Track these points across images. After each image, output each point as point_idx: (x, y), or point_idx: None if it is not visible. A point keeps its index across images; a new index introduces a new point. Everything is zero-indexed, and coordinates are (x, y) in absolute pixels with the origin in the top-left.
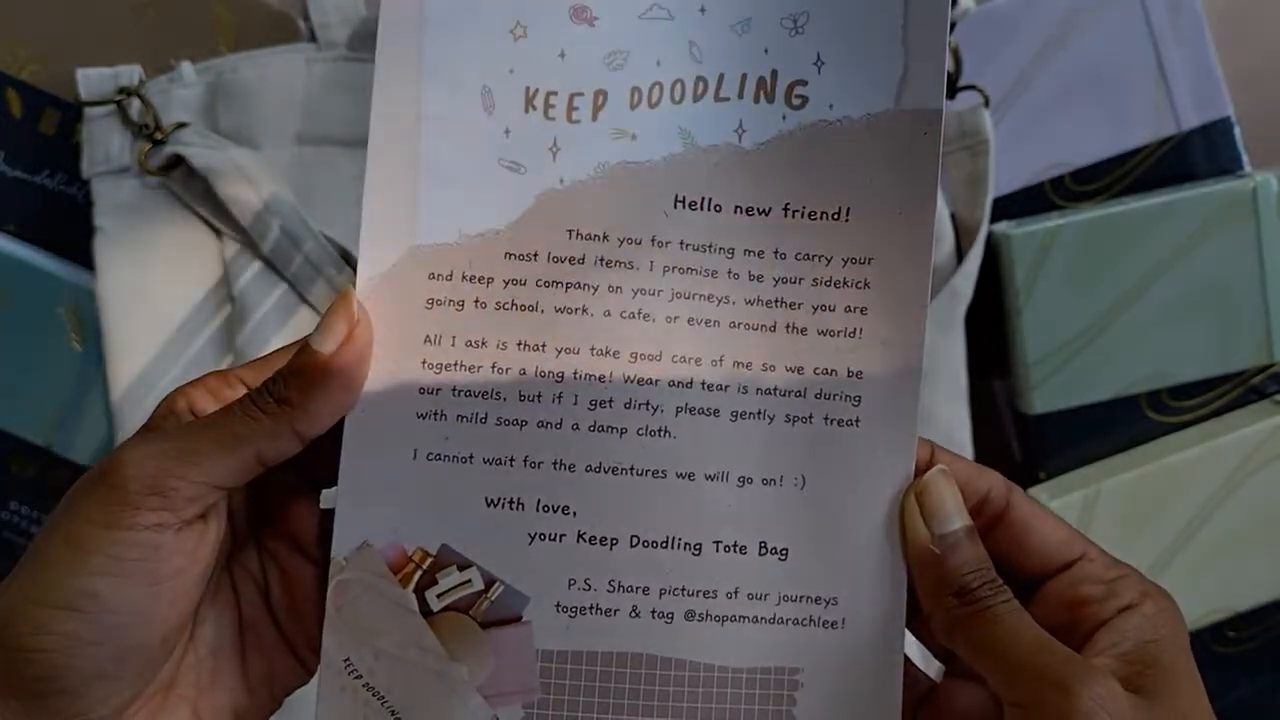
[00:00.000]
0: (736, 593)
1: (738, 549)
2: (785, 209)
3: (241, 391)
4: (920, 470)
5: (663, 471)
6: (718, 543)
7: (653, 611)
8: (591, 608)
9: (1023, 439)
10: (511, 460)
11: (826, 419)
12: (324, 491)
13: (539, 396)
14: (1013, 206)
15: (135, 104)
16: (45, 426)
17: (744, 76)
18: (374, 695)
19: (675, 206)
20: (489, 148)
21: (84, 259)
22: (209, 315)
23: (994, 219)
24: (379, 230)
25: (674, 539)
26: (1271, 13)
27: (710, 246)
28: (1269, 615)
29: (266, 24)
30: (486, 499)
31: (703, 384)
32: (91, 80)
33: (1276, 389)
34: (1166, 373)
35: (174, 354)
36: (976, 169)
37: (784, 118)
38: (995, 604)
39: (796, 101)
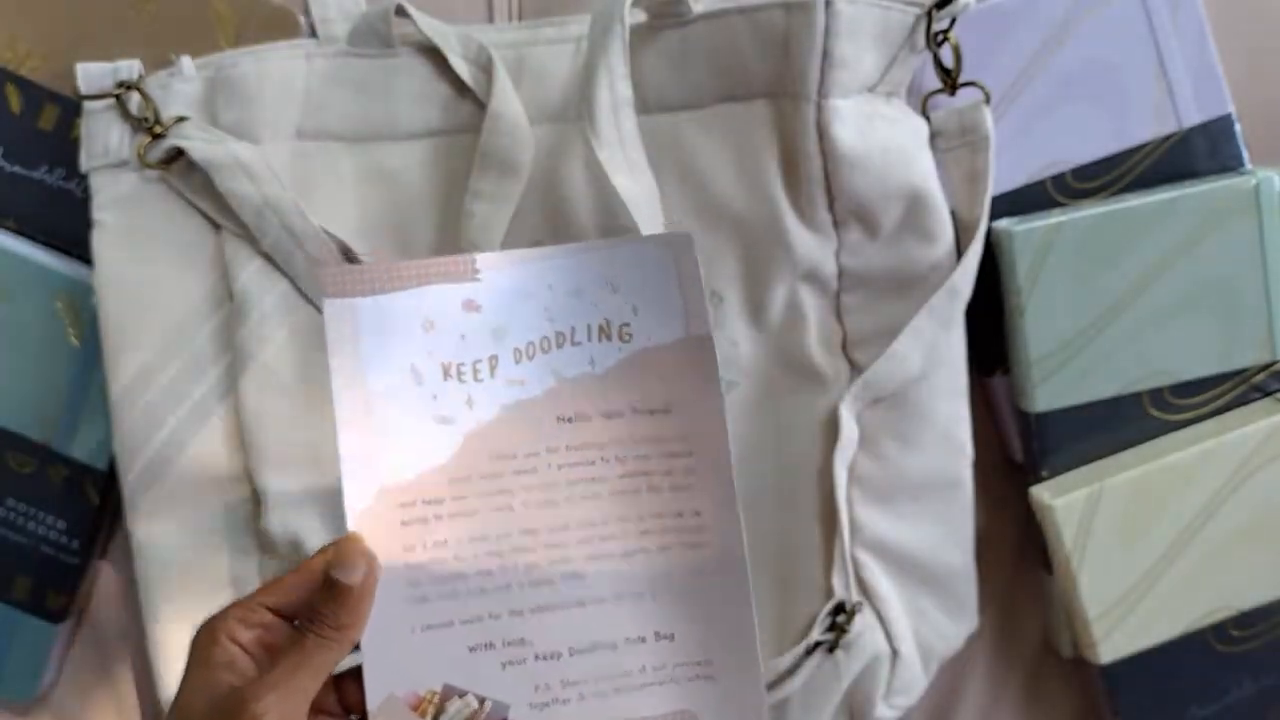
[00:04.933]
0: (644, 669)
1: (640, 640)
2: (633, 409)
3: (267, 616)
4: None
5: (583, 602)
6: (626, 639)
7: (593, 693)
8: (552, 701)
9: (1025, 437)
10: (479, 618)
11: (684, 544)
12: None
13: (490, 572)
14: (1014, 204)
15: (135, 98)
16: (44, 422)
17: (588, 326)
18: None
19: (558, 423)
20: (423, 410)
21: (82, 254)
22: (209, 311)
23: (995, 216)
24: (356, 480)
25: (597, 644)
26: (1272, 10)
27: (587, 445)
28: (1272, 613)
29: (266, 20)
30: (468, 647)
31: (599, 538)
32: (91, 74)
33: (1278, 387)
34: (1168, 371)
35: (173, 349)
36: (976, 166)
37: (619, 349)
38: None
39: (626, 337)
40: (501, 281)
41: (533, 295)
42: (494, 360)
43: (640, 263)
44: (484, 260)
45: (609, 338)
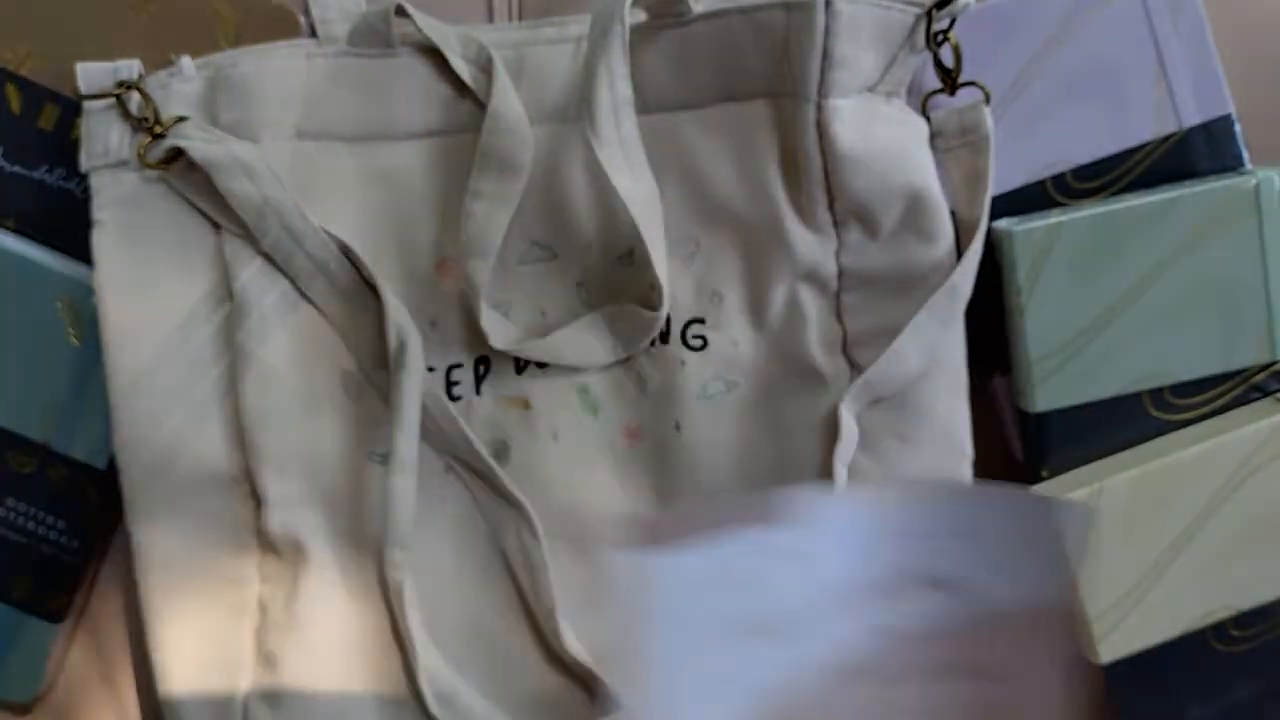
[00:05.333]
0: None
1: None
2: (961, 672)
3: None
4: None
5: None
6: None
7: None
8: None
9: (1025, 437)
10: None
11: None
12: None
13: None
14: (1014, 204)
15: (135, 98)
16: (44, 422)
17: (922, 578)
18: None
19: (876, 684)
20: (724, 675)
21: (82, 254)
22: (209, 311)
23: (995, 216)
24: None
25: None
26: (1272, 10)
27: (908, 710)
28: (1272, 613)
29: (266, 20)
30: None
31: None
32: (90, 74)
33: (1278, 387)
34: (1169, 370)
35: (174, 350)
36: (976, 165)
37: (956, 604)
38: None
39: (966, 592)
40: (825, 524)
41: (861, 541)
42: (808, 614)
43: (1000, 517)
44: (804, 502)
45: (946, 590)
